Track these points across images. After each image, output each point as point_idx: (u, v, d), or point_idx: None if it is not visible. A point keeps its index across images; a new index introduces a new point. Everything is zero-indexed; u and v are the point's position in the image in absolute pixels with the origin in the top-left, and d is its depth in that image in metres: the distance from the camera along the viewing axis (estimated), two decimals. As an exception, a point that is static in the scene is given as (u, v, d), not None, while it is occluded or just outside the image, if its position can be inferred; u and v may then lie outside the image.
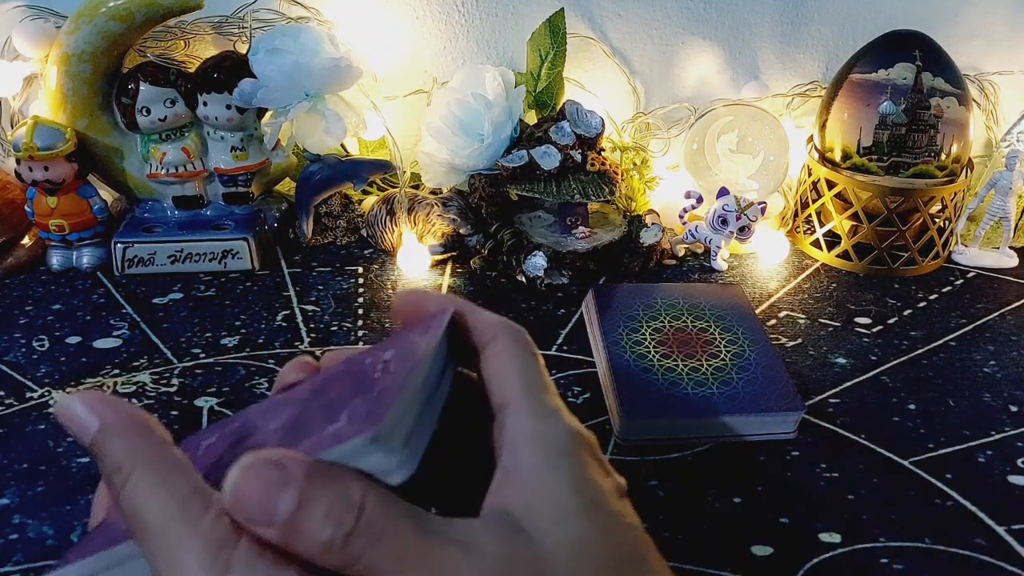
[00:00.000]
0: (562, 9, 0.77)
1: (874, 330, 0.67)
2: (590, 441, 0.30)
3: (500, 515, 0.27)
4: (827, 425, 0.56)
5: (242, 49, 0.73)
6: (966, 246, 0.78)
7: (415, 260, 0.72)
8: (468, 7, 0.78)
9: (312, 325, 0.65)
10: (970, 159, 0.76)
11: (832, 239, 0.77)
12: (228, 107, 0.70)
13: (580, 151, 0.71)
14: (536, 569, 0.26)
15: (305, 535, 0.25)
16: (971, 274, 0.76)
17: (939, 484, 0.52)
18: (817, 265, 0.76)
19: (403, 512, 0.26)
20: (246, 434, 0.30)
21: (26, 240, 0.72)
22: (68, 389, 0.57)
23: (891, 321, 0.68)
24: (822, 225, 0.77)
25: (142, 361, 0.61)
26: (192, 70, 0.71)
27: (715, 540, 0.47)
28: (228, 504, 0.25)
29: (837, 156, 0.75)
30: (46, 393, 0.57)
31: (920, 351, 0.64)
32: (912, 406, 0.58)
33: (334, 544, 0.25)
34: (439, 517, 0.27)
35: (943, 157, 0.73)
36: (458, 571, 0.25)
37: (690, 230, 0.76)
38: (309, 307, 0.68)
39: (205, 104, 0.70)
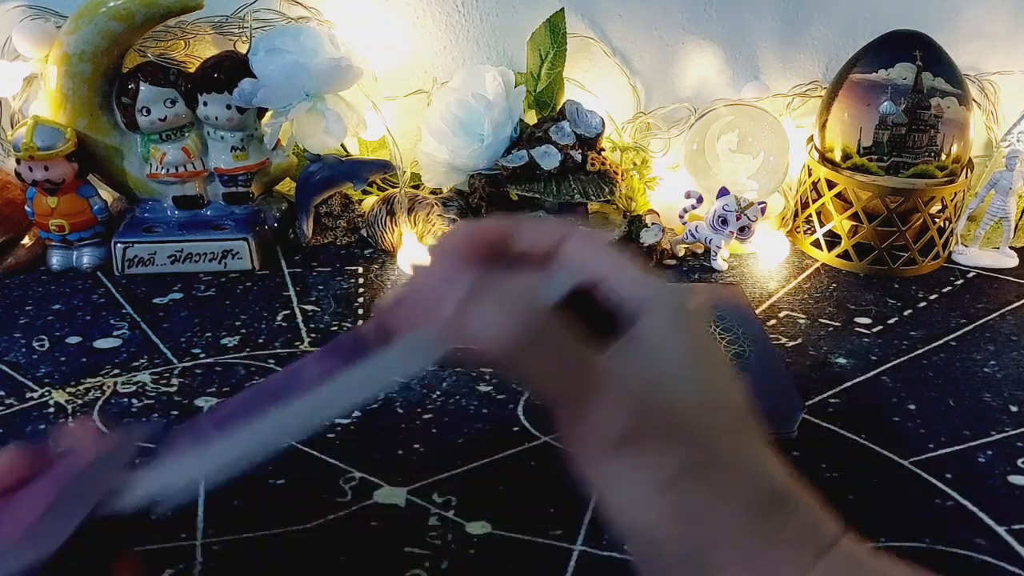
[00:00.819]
0: (562, 9, 0.77)
1: (874, 330, 0.67)
2: (695, 309, 0.32)
3: (634, 350, 0.30)
4: (827, 425, 0.56)
5: (242, 49, 0.73)
6: (966, 246, 0.78)
7: (415, 260, 0.72)
8: (468, 7, 0.78)
9: (312, 325, 0.65)
10: (970, 159, 0.76)
11: (832, 239, 0.77)
12: (228, 107, 0.70)
13: (580, 151, 0.71)
14: (668, 410, 0.29)
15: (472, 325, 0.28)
16: (971, 274, 0.76)
17: (939, 484, 0.52)
18: (817, 265, 0.76)
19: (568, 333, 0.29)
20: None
21: (26, 240, 0.72)
22: (68, 389, 0.57)
23: (891, 321, 0.68)
24: (822, 225, 0.77)
25: (142, 361, 0.61)
26: (192, 70, 0.71)
27: (715, 540, 0.47)
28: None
29: (837, 156, 0.75)
30: (46, 393, 0.57)
31: (920, 351, 0.64)
32: (912, 406, 0.58)
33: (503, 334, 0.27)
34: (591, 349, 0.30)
35: (943, 157, 0.73)
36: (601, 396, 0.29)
37: (690, 230, 0.76)
38: (309, 307, 0.68)
39: (205, 104, 0.70)
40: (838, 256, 0.76)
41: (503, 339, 0.28)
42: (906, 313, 0.70)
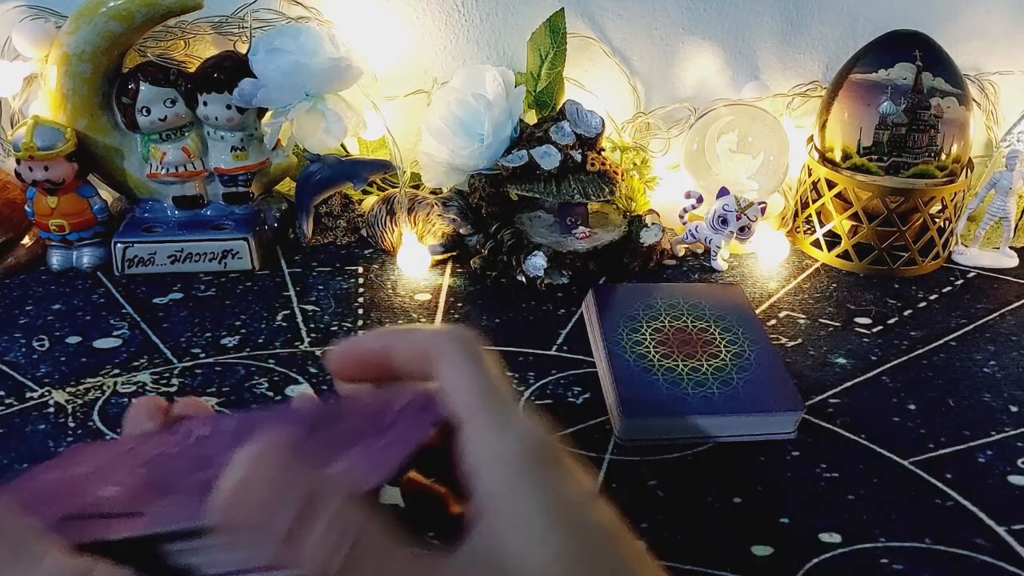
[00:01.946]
0: (562, 9, 0.77)
1: (874, 330, 0.67)
2: (555, 447, 0.29)
3: (477, 547, 0.27)
4: (827, 425, 0.56)
5: (242, 49, 0.73)
6: (966, 246, 0.78)
7: (415, 260, 0.72)
8: (468, 7, 0.78)
9: (312, 325, 0.65)
10: (970, 159, 0.76)
11: (832, 239, 0.77)
12: (228, 107, 0.70)
13: (580, 151, 0.71)
14: None
15: (302, 552, 0.25)
16: (971, 274, 0.76)
17: (939, 484, 0.52)
18: (817, 265, 0.76)
19: (398, 543, 0.26)
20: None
21: (26, 240, 0.72)
22: (68, 389, 0.57)
23: (891, 321, 0.68)
24: (822, 225, 0.77)
25: (142, 361, 0.61)
26: (192, 70, 0.71)
27: (715, 540, 0.47)
28: (223, 504, 0.25)
29: (837, 156, 0.75)
30: (46, 393, 0.57)
31: (920, 351, 0.64)
32: (912, 406, 0.58)
33: (330, 564, 0.24)
34: (427, 553, 0.27)
35: (943, 157, 0.73)
36: None
37: (690, 230, 0.76)
38: (309, 307, 0.68)
39: (205, 104, 0.70)
40: (838, 256, 0.76)
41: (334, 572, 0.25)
42: (906, 313, 0.70)
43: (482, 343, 0.31)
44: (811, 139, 0.79)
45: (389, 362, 0.32)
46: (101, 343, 0.63)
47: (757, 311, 0.68)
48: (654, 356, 0.58)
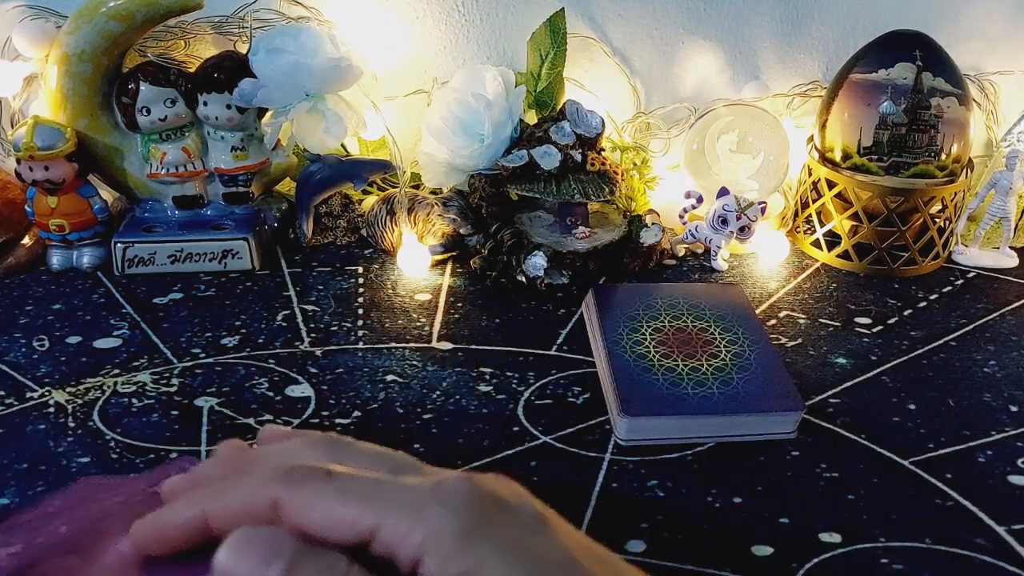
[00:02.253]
0: (562, 9, 0.77)
1: (874, 330, 0.67)
2: (475, 490, 0.28)
3: None
4: (827, 425, 0.56)
5: (242, 49, 0.73)
6: (966, 246, 0.78)
7: (415, 260, 0.72)
8: (468, 7, 0.78)
9: (312, 325, 0.65)
10: (970, 159, 0.76)
11: (832, 239, 0.77)
12: (228, 107, 0.70)
13: (580, 151, 0.71)
14: None
15: None
16: (971, 274, 0.76)
17: (939, 484, 0.52)
18: (817, 265, 0.76)
19: None
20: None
21: (26, 240, 0.72)
22: (68, 389, 0.57)
23: (891, 321, 0.68)
24: (822, 225, 0.77)
25: (142, 361, 0.61)
26: (192, 70, 0.71)
27: (715, 540, 0.47)
28: (224, 559, 0.25)
29: (837, 156, 0.75)
30: (46, 393, 0.57)
31: (920, 351, 0.64)
32: (912, 406, 0.58)
33: None
34: None
35: (943, 157, 0.73)
36: None
37: (690, 230, 0.76)
38: (309, 307, 0.68)
39: (205, 104, 0.70)
40: (838, 256, 0.76)
41: None
42: (906, 313, 0.70)
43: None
44: (811, 139, 0.79)
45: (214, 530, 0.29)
46: (101, 343, 0.63)
47: (757, 311, 0.68)
48: (654, 356, 0.58)
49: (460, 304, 0.69)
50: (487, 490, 0.28)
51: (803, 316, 0.68)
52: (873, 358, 0.63)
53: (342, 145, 0.76)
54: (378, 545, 0.27)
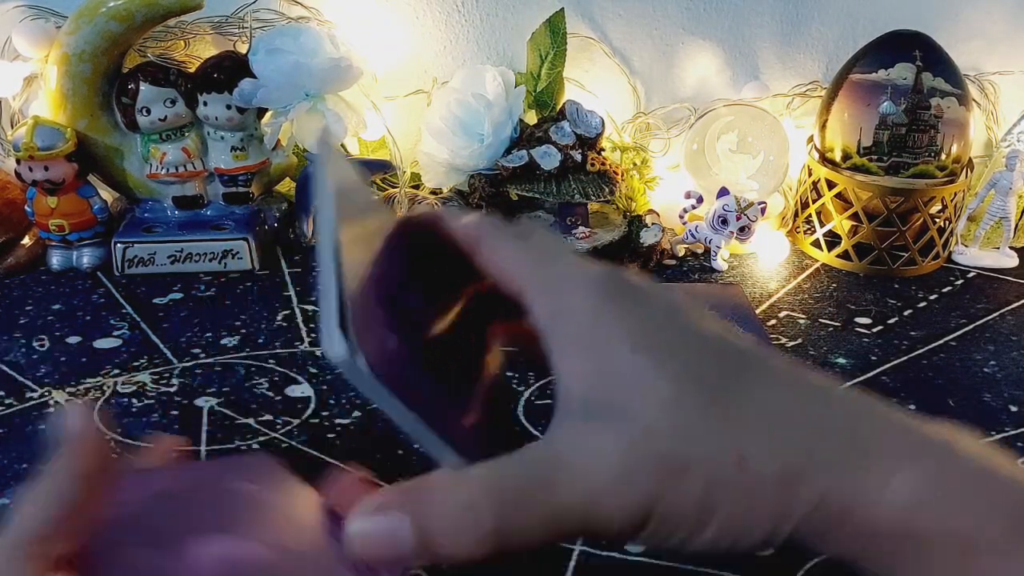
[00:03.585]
0: (562, 9, 0.77)
1: (874, 330, 0.67)
2: (621, 277, 0.28)
3: (591, 406, 0.25)
4: (827, 425, 0.56)
5: (242, 49, 0.73)
6: (966, 246, 0.78)
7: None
8: (468, 7, 0.78)
9: (312, 325, 0.65)
10: (970, 159, 0.76)
11: (832, 239, 0.77)
12: (228, 107, 0.70)
13: (580, 151, 0.71)
14: (653, 440, 0.24)
15: (448, 548, 0.24)
16: (971, 274, 0.76)
17: (939, 484, 0.51)
18: (817, 265, 0.76)
19: (514, 472, 0.25)
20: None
21: (26, 240, 0.72)
22: (68, 389, 0.57)
23: (891, 321, 0.68)
24: (822, 225, 0.77)
25: (142, 361, 0.61)
26: (192, 70, 0.71)
27: (715, 540, 0.47)
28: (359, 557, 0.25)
29: (837, 156, 0.75)
30: (46, 393, 0.57)
31: (920, 351, 0.64)
32: (912, 406, 0.58)
33: (482, 541, 0.24)
34: (539, 451, 0.25)
35: (943, 157, 0.73)
36: (594, 482, 0.24)
37: (690, 230, 0.76)
38: (309, 307, 0.68)
39: (205, 104, 0.70)
40: (838, 256, 0.76)
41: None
42: (906, 313, 0.70)
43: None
44: (811, 139, 0.79)
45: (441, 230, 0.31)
46: (101, 343, 0.63)
47: (757, 311, 0.68)
48: (654, 356, 0.58)
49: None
50: (620, 278, 0.28)
51: (803, 316, 0.68)
52: (873, 358, 0.63)
53: (342, 145, 0.76)
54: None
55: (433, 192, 0.77)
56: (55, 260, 0.71)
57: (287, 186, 0.80)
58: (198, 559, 0.30)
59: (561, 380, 0.26)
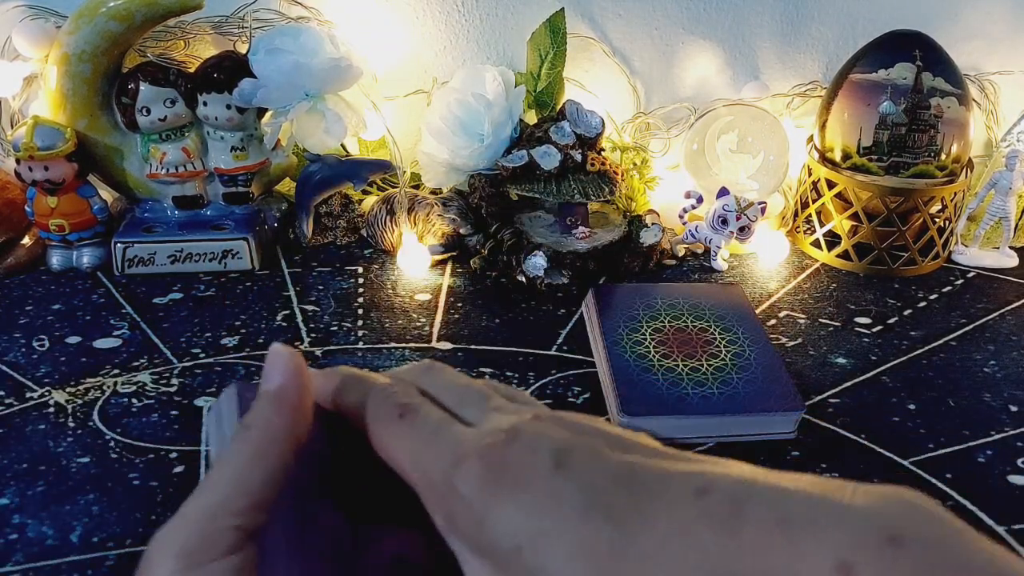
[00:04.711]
0: (562, 9, 0.76)
1: (874, 330, 0.67)
2: (496, 454, 0.24)
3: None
4: (827, 425, 0.56)
5: (242, 49, 0.73)
6: (966, 246, 0.78)
7: (415, 260, 0.72)
8: (468, 7, 0.78)
9: (312, 325, 0.65)
10: (970, 159, 0.76)
11: (832, 239, 0.77)
12: (228, 107, 0.70)
13: (580, 151, 0.71)
14: None
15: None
16: (971, 274, 0.76)
17: (939, 484, 0.52)
18: (817, 265, 0.76)
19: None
20: None
21: (26, 240, 0.72)
22: (68, 389, 0.57)
23: (891, 321, 0.68)
24: (822, 225, 0.77)
25: (142, 361, 0.61)
26: (192, 70, 0.71)
27: (715, 540, 0.47)
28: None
29: (837, 156, 0.75)
30: (46, 393, 0.57)
31: (920, 351, 0.64)
32: (912, 406, 0.58)
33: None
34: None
35: (943, 157, 0.73)
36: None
37: (690, 230, 0.76)
38: (309, 307, 0.68)
39: (205, 104, 0.70)
40: (838, 256, 0.76)
41: None
42: (906, 313, 0.70)
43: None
44: (811, 139, 0.79)
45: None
46: (101, 343, 0.63)
47: (757, 311, 0.68)
48: (654, 356, 0.58)
49: (460, 304, 0.69)
50: (509, 460, 0.24)
51: (803, 316, 0.68)
52: (873, 358, 0.63)
53: (342, 145, 0.76)
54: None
55: (433, 192, 0.77)
56: (55, 260, 0.71)
57: (287, 186, 0.80)
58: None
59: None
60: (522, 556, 0.22)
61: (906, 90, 0.72)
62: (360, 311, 0.67)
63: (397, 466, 0.26)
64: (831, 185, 0.75)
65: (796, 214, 0.80)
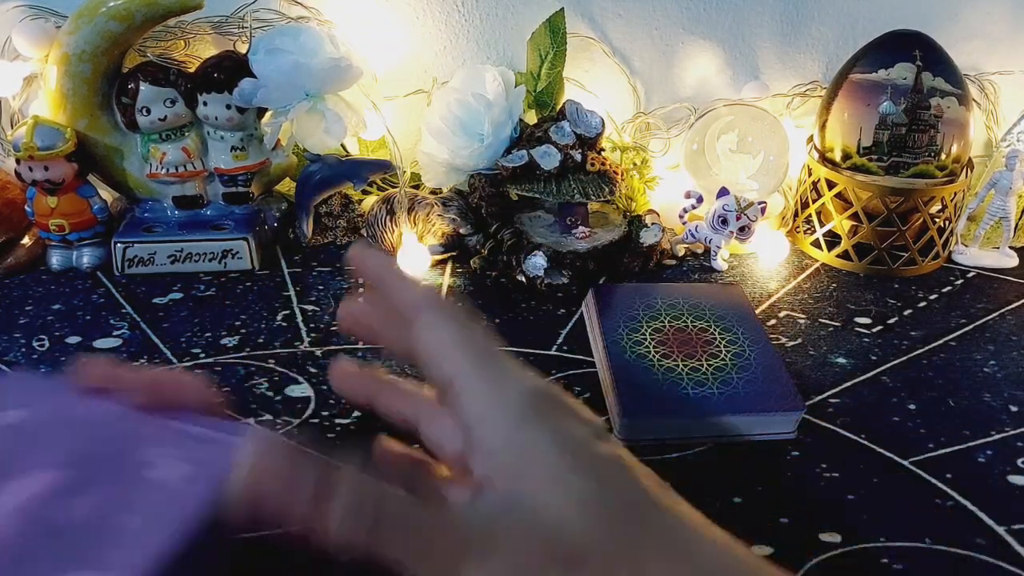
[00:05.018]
0: (562, 9, 0.77)
1: (874, 330, 0.67)
2: (553, 392, 0.28)
3: (493, 502, 0.26)
4: (827, 425, 0.56)
5: (242, 49, 0.73)
6: (966, 246, 0.78)
7: (415, 260, 0.72)
8: (468, 7, 0.78)
9: (312, 325, 0.65)
10: (970, 159, 0.76)
11: (832, 239, 0.77)
12: (228, 107, 0.70)
13: (580, 151, 0.71)
14: (549, 542, 0.25)
15: (328, 515, 0.25)
16: (971, 274, 0.76)
17: (939, 484, 0.52)
18: (817, 265, 0.76)
19: (416, 502, 0.26)
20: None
21: (26, 240, 0.72)
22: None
23: (891, 321, 0.68)
24: (822, 225, 0.77)
25: (142, 361, 0.61)
26: (192, 70, 0.71)
27: (715, 540, 0.47)
28: (246, 479, 0.25)
29: (837, 156, 0.75)
30: (46, 393, 0.57)
31: (920, 351, 0.64)
32: (912, 406, 0.58)
33: (359, 523, 0.25)
34: (446, 508, 0.26)
35: (943, 157, 0.73)
36: (473, 562, 0.25)
37: (690, 230, 0.76)
38: (309, 307, 0.68)
39: (205, 104, 0.70)
40: (838, 256, 0.76)
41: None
42: (906, 313, 0.70)
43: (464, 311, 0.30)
44: (811, 139, 0.79)
45: (383, 291, 0.32)
46: (101, 343, 0.63)
47: (757, 311, 0.68)
48: (654, 356, 0.58)
49: (460, 304, 0.69)
50: (553, 393, 0.28)
51: (803, 316, 0.68)
52: (873, 358, 0.63)
53: (342, 145, 0.76)
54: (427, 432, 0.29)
55: (433, 192, 0.77)
56: (55, 260, 0.71)
57: (287, 186, 0.80)
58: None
59: (483, 469, 0.27)
60: None
61: (906, 90, 0.72)
62: (360, 311, 0.67)
63: (440, 358, 0.29)
64: (831, 185, 0.75)
65: (796, 214, 0.80)
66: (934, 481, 0.52)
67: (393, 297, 0.31)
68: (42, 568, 0.26)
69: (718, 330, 0.61)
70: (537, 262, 0.69)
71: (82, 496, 0.28)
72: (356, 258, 0.34)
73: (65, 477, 0.29)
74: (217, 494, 0.29)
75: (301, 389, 0.58)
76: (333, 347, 0.63)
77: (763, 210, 0.75)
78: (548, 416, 0.27)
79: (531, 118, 0.78)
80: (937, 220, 0.75)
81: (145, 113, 0.70)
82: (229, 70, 0.69)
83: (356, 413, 0.56)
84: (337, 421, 0.55)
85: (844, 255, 0.76)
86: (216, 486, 0.29)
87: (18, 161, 0.67)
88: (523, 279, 0.70)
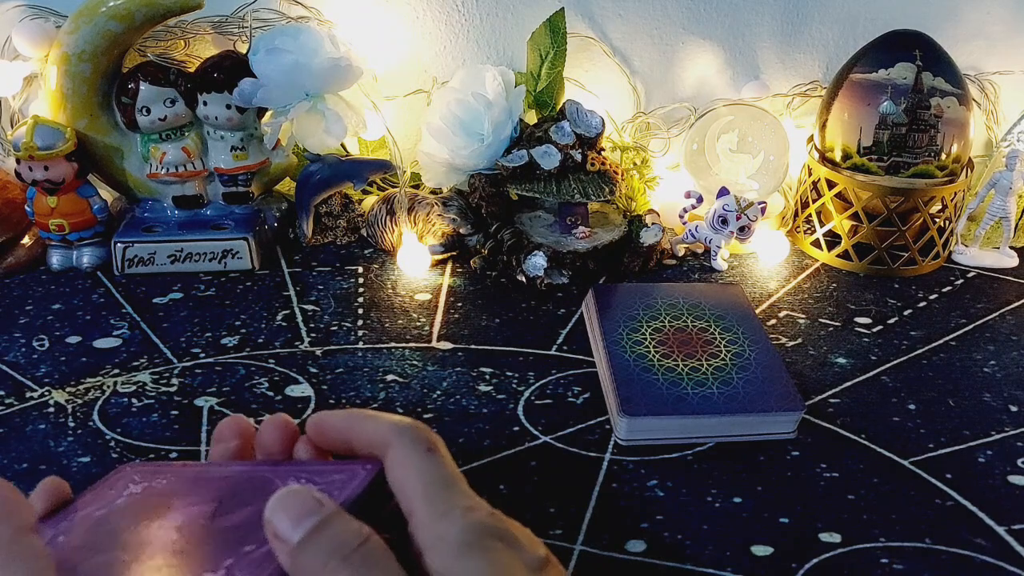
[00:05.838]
0: (562, 9, 0.77)
1: (874, 330, 0.67)
2: (497, 525, 0.30)
3: None
4: (827, 425, 0.56)
5: (242, 49, 0.73)
6: (966, 246, 0.78)
7: (415, 260, 0.72)
8: (468, 7, 0.78)
9: (312, 325, 0.65)
10: (970, 159, 0.76)
11: (832, 239, 0.77)
12: (228, 107, 0.70)
13: (580, 151, 0.72)
14: None
15: (310, 554, 0.28)
16: (971, 274, 0.76)
17: (939, 484, 0.52)
18: (817, 265, 0.76)
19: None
20: (99, 548, 0.31)
21: (26, 240, 0.72)
22: (68, 389, 0.58)
23: (891, 321, 0.68)
24: (822, 225, 0.77)
25: (142, 361, 0.61)
26: (192, 70, 0.71)
27: (715, 540, 0.47)
28: (267, 515, 0.29)
29: (837, 156, 0.75)
30: (46, 393, 0.57)
31: (920, 351, 0.64)
32: (912, 406, 0.58)
33: (329, 565, 0.28)
34: None
35: (943, 157, 0.73)
36: None
37: (690, 230, 0.76)
38: (309, 307, 0.68)
39: (205, 104, 0.70)
40: (838, 256, 0.76)
41: None
42: (906, 313, 0.70)
43: (432, 438, 0.33)
44: (811, 139, 0.79)
45: (349, 445, 0.35)
46: (101, 343, 0.63)
47: (757, 311, 0.68)
48: (654, 356, 0.58)
49: (460, 304, 0.69)
50: (495, 526, 0.30)
51: (803, 316, 0.68)
52: (873, 358, 0.63)
53: (342, 145, 0.76)
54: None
55: (433, 192, 0.77)
56: (55, 260, 0.71)
57: (287, 186, 0.80)
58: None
59: None
60: None
61: (906, 90, 0.72)
62: (360, 311, 0.67)
63: (404, 493, 0.31)
64: (831, 185, 0.75)
65: (796, 214, 0.80)
66: (934, 481, 0.52)
67: (362, 443, 0.34)
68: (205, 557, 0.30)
69: (718, 330, 0.61)
70: (537, 262, 0.69)
71: (233, 513, 0.32)
72: (314, 432, 0.36)
73: (218, 505, 0.33)
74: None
75: (301, 389, 0.58)
76: (333, 347, 0.63)
77: (763, 210, 0.75)
78: (487, 549, 0.29)
79: (531, 118, 0.78)
80: (937, 220, 0.75)
81: (145, 113, 0.70)
82: (229, 70, 0.69)
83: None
84: (337, 421, 0.55)
85: (844, 255, 0.76)
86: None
87: (18, 161, 0.67)
88: (523, 279, 0.70)
